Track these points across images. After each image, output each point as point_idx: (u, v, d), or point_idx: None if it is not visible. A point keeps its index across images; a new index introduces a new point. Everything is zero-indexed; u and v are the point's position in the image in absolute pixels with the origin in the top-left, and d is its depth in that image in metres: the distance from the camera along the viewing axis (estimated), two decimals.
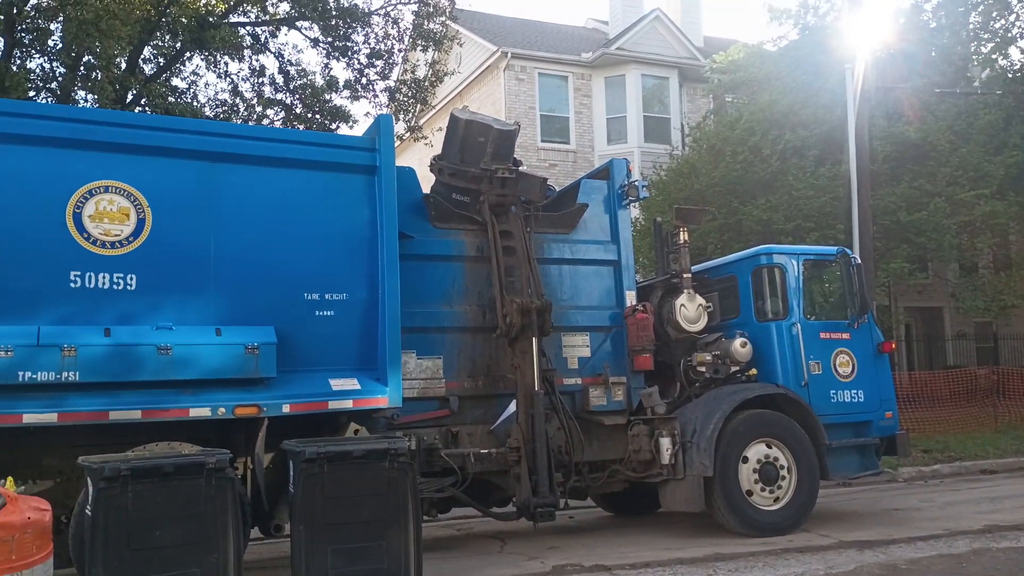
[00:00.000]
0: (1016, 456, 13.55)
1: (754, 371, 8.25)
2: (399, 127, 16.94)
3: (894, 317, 19.09)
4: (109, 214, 5.88)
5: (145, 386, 5.71)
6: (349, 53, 16.57)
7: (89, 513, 4.87)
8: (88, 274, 5.79)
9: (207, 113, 15.82)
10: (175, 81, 16.35)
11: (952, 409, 16.17)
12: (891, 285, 17.95)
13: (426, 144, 17.44)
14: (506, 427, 7.43)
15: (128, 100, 14.10)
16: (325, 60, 17.19)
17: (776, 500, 7.76)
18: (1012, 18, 20.30)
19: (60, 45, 13.47)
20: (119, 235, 5.90)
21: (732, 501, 7.56)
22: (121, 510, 4.83)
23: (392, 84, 17.46)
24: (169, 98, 14.64)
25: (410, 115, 17.69)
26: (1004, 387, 17.05)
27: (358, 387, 6.34)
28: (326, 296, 6.48)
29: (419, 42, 17.24)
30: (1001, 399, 16.68)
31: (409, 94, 17.67)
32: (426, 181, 7.98)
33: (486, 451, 7.31)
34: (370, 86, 16.89)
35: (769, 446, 7.81)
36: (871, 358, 8.65)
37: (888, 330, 14.09)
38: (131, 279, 5.90)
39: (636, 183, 8.33)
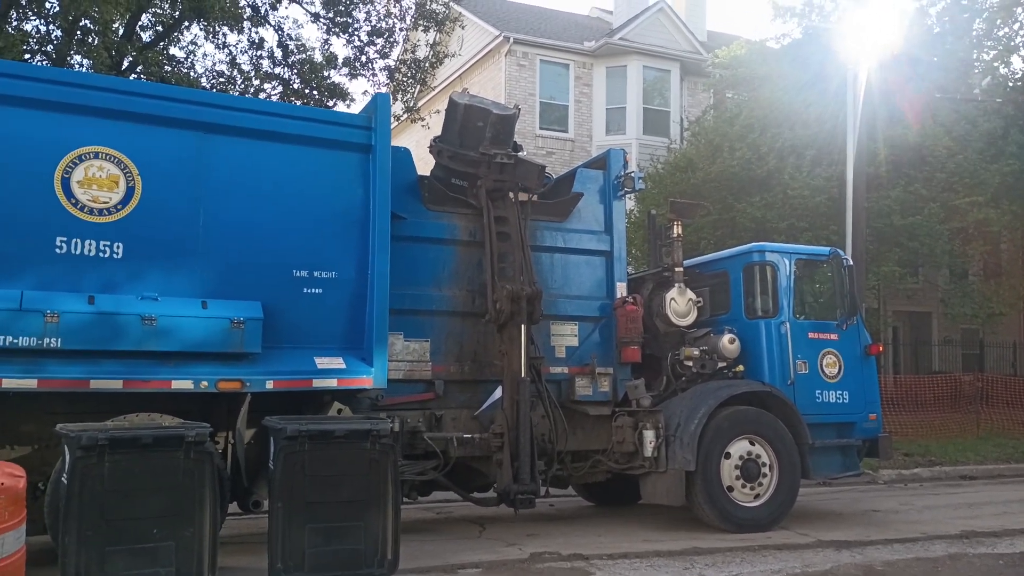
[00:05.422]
0: (996, 463, 13.66)
1: (741, 368, 8.26)
2: (397, 107, 16.80)
3: (882, 320, 19.12)
4: (98, 180, 5.82)
5: (127, 356, 5.68)
6: (349, 30, 16.39)
7: (65, 481, 4.83)
8: (74, 240, 5.74)
9: (204, 84, 15.63)
10: (172, 50, 16.13)
11: (935, 414, 16.25)
12: (881, 288, 17.96)
13: (423, 126, 17.32)
14: (491, 413, 7.41)
15: (124, 67, 13.93)
16: (325, 36, 17.04)
17: (756, 497, 7.78)
18: (1016, 26, 20.25)
19: (57, 8, 13.26)
20: (107, 202, 5.84)
21: (713, 496, 7.58)
22: (97, 480, 4.79)
23: (392, 64, 17.30)
24: (165, 67, 14.48)
25: (408, 96, 17.55)
26: (988, 394, 17.12)
27: (343, 366, 6.32)
28: (315, 274, 6.45)
29: (421, 22, 17.09)
30: (985, 406, 16.76)
31: (408, 74, 17.52)
32: (423, 163, 7.91)
33: (469, 436, 7.31)
34: (369, 64, 16.72)
35: (752, 443, 7.83)
36: (858, 360, 8.66)
37: (876, 333, 14.09)
38: (118, 247, 5.85)
39: (632, 174, 8.31)
